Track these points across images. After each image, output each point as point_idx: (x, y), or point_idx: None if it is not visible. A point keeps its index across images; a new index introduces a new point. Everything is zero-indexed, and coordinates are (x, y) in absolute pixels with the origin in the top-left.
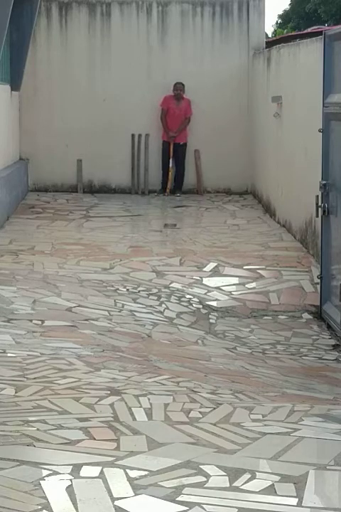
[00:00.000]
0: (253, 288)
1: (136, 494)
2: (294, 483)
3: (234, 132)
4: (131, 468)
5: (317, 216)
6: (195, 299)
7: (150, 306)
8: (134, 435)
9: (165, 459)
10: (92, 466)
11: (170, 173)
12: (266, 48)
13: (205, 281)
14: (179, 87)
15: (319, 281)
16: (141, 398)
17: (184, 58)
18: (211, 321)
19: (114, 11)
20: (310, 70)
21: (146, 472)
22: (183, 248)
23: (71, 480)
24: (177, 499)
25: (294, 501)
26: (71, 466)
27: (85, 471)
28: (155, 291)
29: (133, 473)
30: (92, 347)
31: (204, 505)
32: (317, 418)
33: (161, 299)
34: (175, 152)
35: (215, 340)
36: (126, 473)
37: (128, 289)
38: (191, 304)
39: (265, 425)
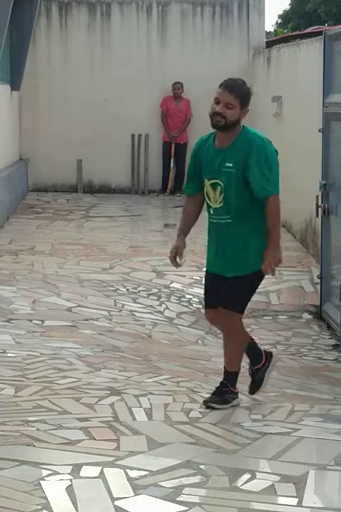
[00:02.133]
0: None
1: (136, 494)
2: (294, 484)
3: None
4: (131, 468)
5: (317, 216)
6: (195, 299)
7: (150, 306)
8: (134, 435)
9: (165, 459)
10: (92, 466)
11: (170, 173)
12: (266, 47)
13: None
14: (177, 87)
15: (319, 281)
16: (141, 398)
17: (184, 58)
18: None
19: (113, 11)
20: (310, 70)
21: (146, 472)
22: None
23: (71, 480)
24: (177, 499)
25: (294, 501)
26: (71, 466)
27: (85, 471)
28: (155, 291)
29: (133, 473)
30: (92, 347)
31: (204, 505)
32: (317, 418)
33: (161, 299)
34: (175, 152)
35: (215, 340)
36: (126, 473)
37: (128, 289)
38: (191, 304)
39: (265, 425)
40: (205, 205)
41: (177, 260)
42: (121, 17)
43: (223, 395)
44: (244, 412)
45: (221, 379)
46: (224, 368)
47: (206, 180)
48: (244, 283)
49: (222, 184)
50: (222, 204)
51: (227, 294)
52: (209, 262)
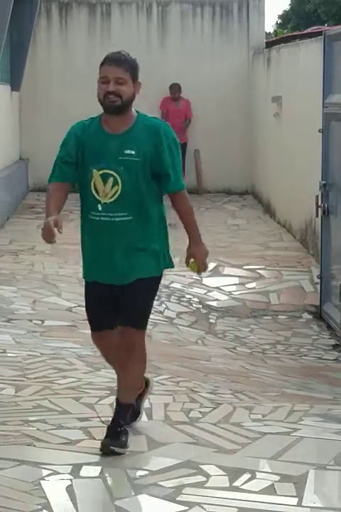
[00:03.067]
0: (253, 288)
1: (136, 494)
2: (294, 483)
3: (234, 132)
4: (131, 468)
5: (317, 216)
6: (195, 299)
7: None
8: (134, 435)
9: (165, 459)
10: (92, 466)
11: None
12: (266, 48)
13: (205, 281)
14: (175, 88)
15: (319, 281)
16: None
17: (184, 58)
18: (211, 321)
19: (114, 11)
20: (310, 70)
21: (146, 472)
22: (183, 248)
23: (71, 480)
24: (177, 499)
25: (294, 501)
26: (71, 466)
27: (85, 471)
28: None
29: (133, 473)
30: (92, 347)
31: (204, 505)
32: (317, 418)
33: (161, 299)
34: None
35: (215, 340)
36: (126, 473)
37: None
38: (191, 304)
39: (265, 425)
40: (85, 201)
41: (57, 230)
42: (121, 17)
43: (120, 435)
44: (244, 411)
45: (221, 379)
46: (117, 400)
47: (94, 170)
48: (149, 288)
49: (117, 175)
50: (115, 198)
51: (129, 307)
52: (93, 270)
